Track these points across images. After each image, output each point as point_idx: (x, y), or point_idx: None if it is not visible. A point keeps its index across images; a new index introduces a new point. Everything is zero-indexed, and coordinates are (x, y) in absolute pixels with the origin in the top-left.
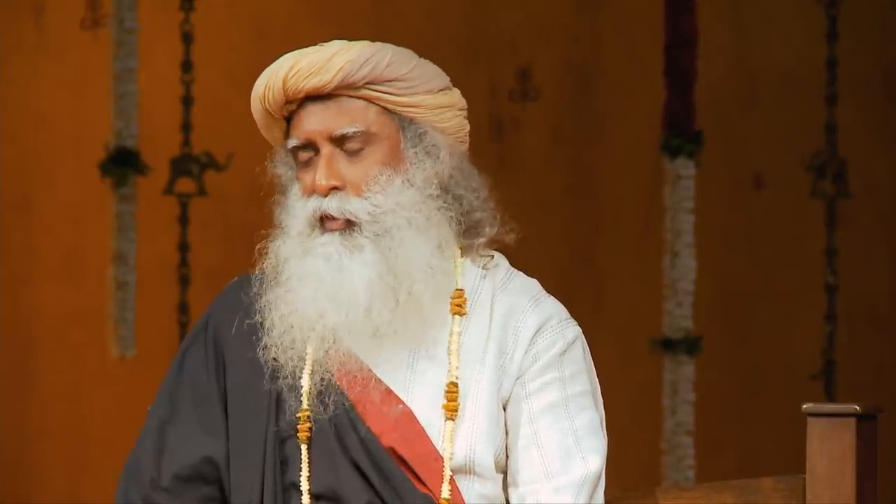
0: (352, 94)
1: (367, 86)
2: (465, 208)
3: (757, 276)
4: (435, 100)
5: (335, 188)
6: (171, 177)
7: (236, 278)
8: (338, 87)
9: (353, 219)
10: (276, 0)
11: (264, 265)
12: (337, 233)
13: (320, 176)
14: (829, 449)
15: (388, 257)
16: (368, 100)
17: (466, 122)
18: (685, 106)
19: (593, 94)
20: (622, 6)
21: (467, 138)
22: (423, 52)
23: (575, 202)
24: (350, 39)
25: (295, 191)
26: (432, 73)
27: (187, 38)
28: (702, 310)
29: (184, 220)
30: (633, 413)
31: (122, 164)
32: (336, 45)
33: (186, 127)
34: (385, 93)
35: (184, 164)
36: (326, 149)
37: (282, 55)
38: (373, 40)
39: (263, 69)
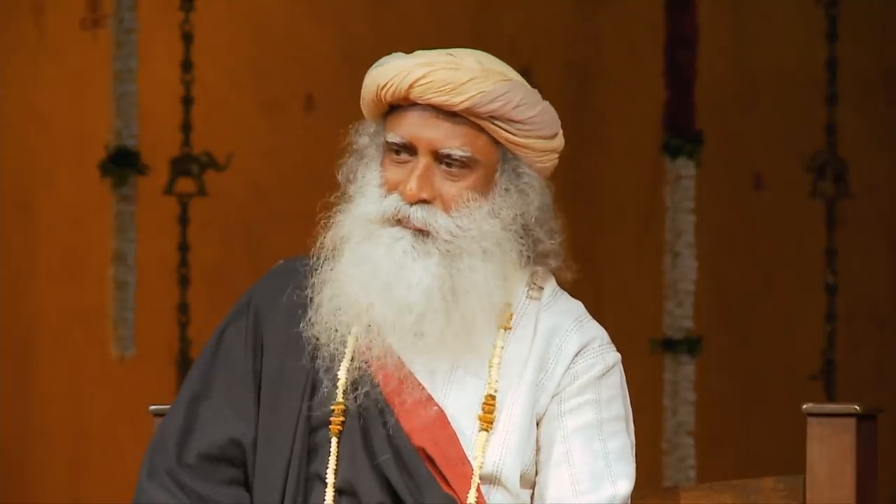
0: (470, 118)
1: (490, 118)
2: (538, 246)
3: (757, 276)
4: (544, 144)
5: (422, 200)
6: (171, 177)
7: (282, 261)
8: (462, 111)
9: (432, 232)
10: (276, 0)
11: (322, 241)
12: (409, 231)
13: (413, 184)
14: (829, 449)
15: (453, 276)
16: (483, 128)
17: (557, 160)
18: (685, 106)
19: (593, 94)
20: (622, 6)
21: (552, 171)
22: None
23: (575, 202)
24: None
25: (375, 176)
26: (550, 120)
27: (187, 38)
28: (702, 310)
29: (184, 220)
30: (634, 413)
31: (122, 164)
32: (471, 66)
33: (186, 127)
34: (503, 129)
35: (184, 164)
36: (426, 159)
37: (393, 51)
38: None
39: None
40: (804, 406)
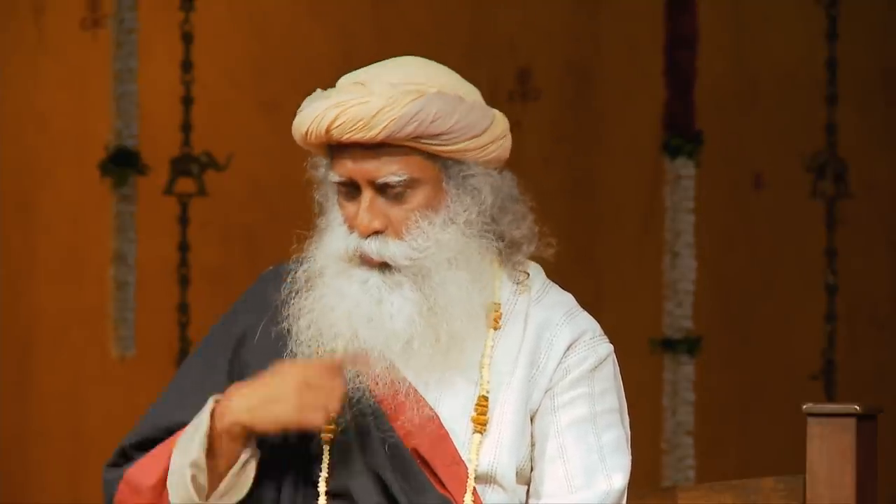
0: (396, 143)
1: (413, 139)
2: (506, 236)
3: (757, 276)
4: (479, 141)
5: (376, 231)
6: (171, 177)
7: (271, 268)
8: (382, 141)
9: (391, 263)
10: (276, 0)
11: (297, 273)
12: (376, 269)
13: (362, 219)
14: (829, 449)
15: (427, 297)
16: (413, 148)
17: (509, 139)
18: (685, 106)
19: (593, 94)
20: (622, 6)
21: (508, 151)
22: (423, 53)
23: (575, 202)
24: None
25: (336, 215)
26: (476, 118)
27: (187, 38)
28: (702, 310)
29: (184, 220)
30: (634, 413)
31: (122, 164)
32: (381, 94)
33: (186, 127)
34: (430, 145)
35: (184, 164)
36: (368, 192)
37: (313, 92)
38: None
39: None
40: (804, 406)
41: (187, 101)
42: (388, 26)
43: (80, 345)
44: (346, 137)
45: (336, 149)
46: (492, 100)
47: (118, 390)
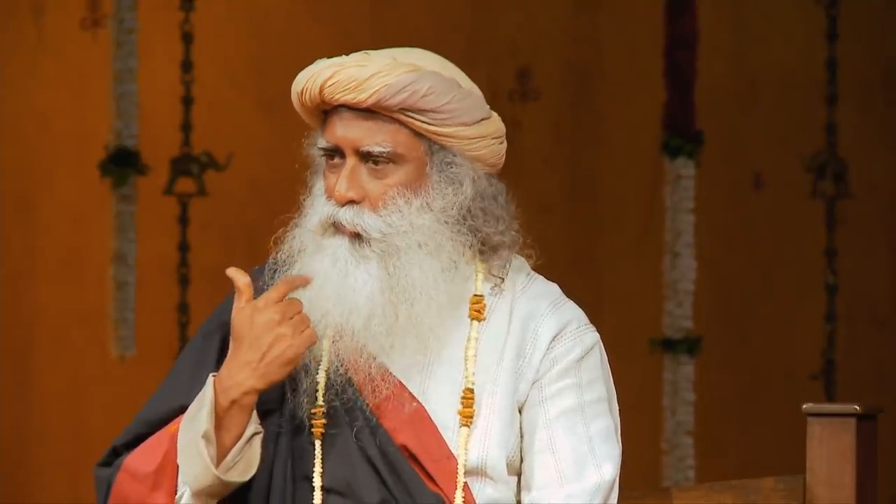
0: (386, 113)
1: (402, 111)
2: (483, 237)
3: (757, 276)
4: (469, 131)
5: (352, 200)
6: (171, 177)
7: (253, 269)
8: (372, 106)
9: (363, 234)
10: (275, 0)
11: (279, 253)
12: (347, 238)
13: (340, 186)
14: (829, 449)
15: (391, 275)
16: (401, 122)
17: (503, 146)
18: (685, 106)
19: (593, 94)
20: (622, 6)
21: (503, 160)
22: None
23: (575, 202)
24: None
25: (320, 186)
26: (470, 106)
27: (187, 38)
28: (702, 310)
29: (184, 220)
30: (634, 413)
31: (122, 164)
32: (379, 62)
33: (186, 127)
34: (418, 120)
35: (184, 164)
36: (351, 160)
37: (305, 62)
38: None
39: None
40: (804, 406)
41: (187, 101)
42: (387, 26)
43: (80, 345)
44: (337, 97)
45: (328, 115)
46: (492, 100)
47: (118, 390)
